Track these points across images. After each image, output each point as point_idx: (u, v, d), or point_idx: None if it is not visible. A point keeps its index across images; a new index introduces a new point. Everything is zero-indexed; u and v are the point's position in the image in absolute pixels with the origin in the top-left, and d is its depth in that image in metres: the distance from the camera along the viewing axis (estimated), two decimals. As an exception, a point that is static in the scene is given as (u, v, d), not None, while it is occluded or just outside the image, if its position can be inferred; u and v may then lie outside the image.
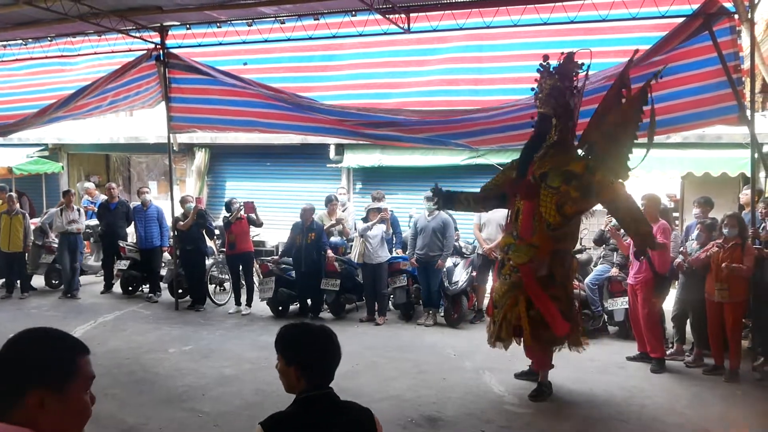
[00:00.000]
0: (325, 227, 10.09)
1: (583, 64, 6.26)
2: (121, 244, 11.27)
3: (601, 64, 7.12)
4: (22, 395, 1.47)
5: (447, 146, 9.35)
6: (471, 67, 8.87)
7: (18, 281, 11.26)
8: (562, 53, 6.25)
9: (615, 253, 8.88)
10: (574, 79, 6.26)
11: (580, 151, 6.38)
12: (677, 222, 10.93)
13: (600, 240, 9.20)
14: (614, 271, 8.67)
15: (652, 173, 10.36)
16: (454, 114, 8.30)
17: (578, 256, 9.54)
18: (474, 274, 9.52)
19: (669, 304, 8.36)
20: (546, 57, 6.22)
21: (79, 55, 10.43)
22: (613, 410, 6.20)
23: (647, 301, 7.50)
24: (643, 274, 7.48)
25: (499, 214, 9.30)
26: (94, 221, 12.20)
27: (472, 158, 11.71)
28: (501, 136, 8.38)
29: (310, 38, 8.75)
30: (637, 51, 6.39)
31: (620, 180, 6.06)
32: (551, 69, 6.20)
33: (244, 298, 10.27)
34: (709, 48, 6.79)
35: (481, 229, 9.54)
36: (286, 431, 2.22)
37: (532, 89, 6.39)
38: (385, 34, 8.43)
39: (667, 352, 7.72)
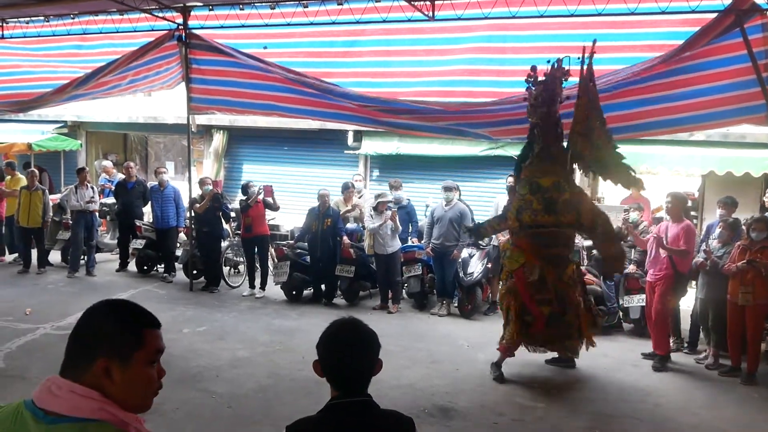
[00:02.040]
0: (341, 213, 10.08)
1: (568, 71, 6.34)
2: (137, 224, 11.33)
3: (630, 58, 7.04)
4: (92, 362, 1.52)
5: (466, 136, 9.27)
6: (494, 57, 8.77)
7: (36, 256, 11.34)
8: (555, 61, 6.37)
9: (632, 250, 8.81)
10: (561, 89, 6.40)
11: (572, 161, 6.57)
12: (696, 221, 10.82)
13: (617, 236, 9.11)
14: (631, 268, 8.61)
15: (674, 170, 10.26)
16: (475, 104, 8.24)
17: (595, 251, 9.51)
18: (489, 265, 9.48)
19: (686, 303, 8.33)
20: (534, 68, 6.40)
21: (101, 34, 10.41)
22: (626, 408, 6.17)
23: (663, 297, 7.47)
24: (664, 272, 7.46)
25: (516, 207, 9.28)
26: (111, 199, 12.25)
27: (491, 149, 11.63)
28: (522, 127, 8.26)
29: (333, 23, 8.68)
30: (595, 42, 6.31)
31: (636, 187, 6.40)
32: (538, 80, 6.36)
33: (258, 282, 10.29)
34: (739, 45, 6.66)
35: (497, 220, 9.49)
36: None
37: (524, 99, 6.57)
38: (409, 21, 8.34)
39: (700, 356, 7.68)
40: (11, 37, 10.88)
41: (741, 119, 7.45)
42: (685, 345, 8.02)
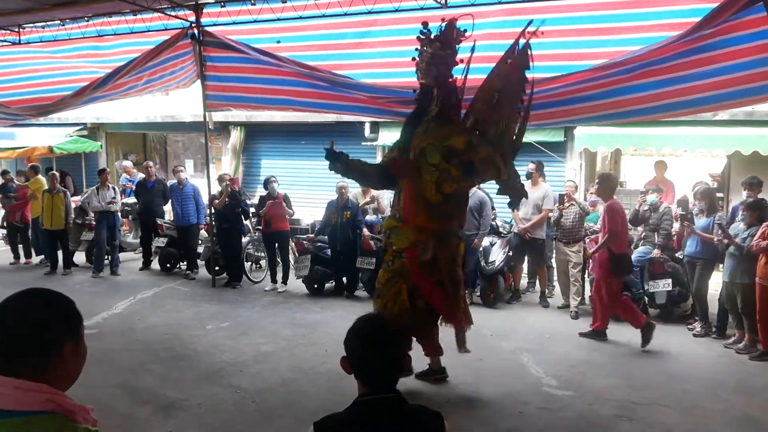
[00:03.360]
0: (360, 205, 10.05)
1: (465, 31, 5.90)
2: (158, 222, 11.41)
3: (647, 38, 6.90)
4: (49, 352, 1.55)
5: (484, 124, 9.17)
6: (508, 43, 8.65)
7: (61, 258, 11.47)
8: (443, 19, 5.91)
9: (655, 233, 8.68)
10: (456, 46, 5.93)
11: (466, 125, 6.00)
12: (722, 202, 10.62)
13: (635, 220, 9.01)
14: (656, 253, 8.49)
15: (697, 152, 10.08)
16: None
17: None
18: (511, 253, 9.39)
19: (713, 287, 8.20)
20: (426, 24, 5.87)
21: (115, 35, 10.46)
22: (653, 395, 6.06)
23: (604, 280, 7.58)
24: (601, 254, 7.59)
25: (536, 194, 9.18)
26: (132, 199, 12.34)
27: (508, 136, 11.49)
28: (540, 113, 8.09)
29: (345, 14, 8.63)
30: (530, 23, 5.95)
31: (504, 159, 5.68)
32: (432, 36, 5.84)
33: (279, 276, 10.31)
34: (763, 20, 6.48)
35: (518, 208, 9.40)
36: None
37: (413, 58, 6.03)
38: (422, 9, 8.25)
39: (729, 341, 7.56)
40: (28, 42, 10.98)
41: (767, 96, 7.27)
42: (713, 329, 7.89)
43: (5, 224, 12.57)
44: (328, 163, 6.26)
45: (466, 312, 6.19)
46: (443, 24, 5.85)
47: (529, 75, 5.80)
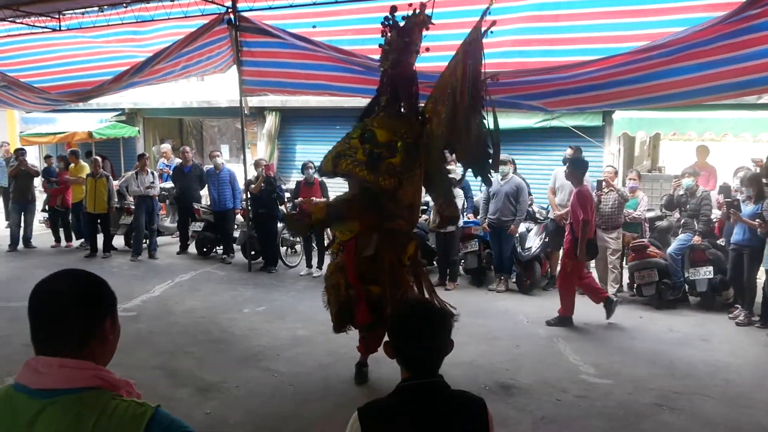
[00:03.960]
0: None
1: (430, 17, 5.66)
2: (195, 207, 11.53)
3: (692, 20, 6.72)
4: (100, 326, 1.61)
5: (520, 108, 9.05)
6: (547, 26, 8.50)
7: (101, 241, 11.69)
8: (410, 5, 5.68)
9: (695, 220, 8.51)
10: (418, 36, 5.71)
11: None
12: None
13: (670, 204, 8.85)
14: (696, 239, 8.33)
15: (740, 136, 9.84)
16: (529, 74, 8.02)
17: (658, 223, 9.25)
18: (547, 239, 9.30)
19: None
20: (394, 9, 5.65)
21: (153, 20, 10.55)
22: (695, 384, 5.97)
23: (563, 261, 7.75)
24: (568, 237, 7.69)
25: (574, 179, 9.05)
26: (170, 184, 12.49)
27: (546, 120, 11.38)
28: (578, 97, 8.03)
29: (382, -2, 8.56)
30: (492, 2, 5.82)
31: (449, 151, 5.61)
32: (398, 22, 5.65)
33: (315, 261, 10.36)
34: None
35: (555, 193, 9.30)
36: (383, 421, 2.05)
37: (379, 45, 5.84)
38: (461, -7, 8.15)
39: None
40: (68, 29, 11.13)
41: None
42: (757, 318, 7.72)
43: (47, 208, 12.83)
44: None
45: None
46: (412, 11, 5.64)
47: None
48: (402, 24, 5.64)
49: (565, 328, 7.58)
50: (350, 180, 5.70)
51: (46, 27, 11.21)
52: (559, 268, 8.07)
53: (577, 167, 7.82)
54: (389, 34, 5.68)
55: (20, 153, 12.36)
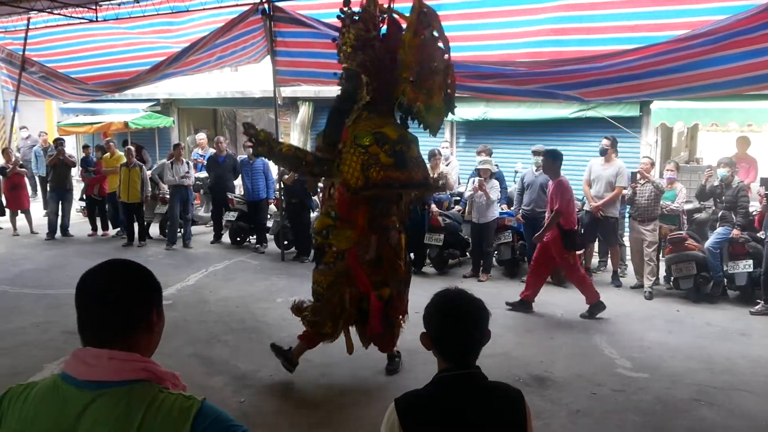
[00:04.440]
0: (428, 182, 9.98)
1: (389, 7, 5.34)
2: (229, 196, 11.62)
3: (735, 7, 6.55)
4: (139, 320, 1.60)
5: (556, 99, 8.94)
6: (584, 14, 8.38)
7: (137, 230, 11.86)
8: None
9: (732, 212, 8.32)
10: (381, 26, 5.38)
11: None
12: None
13: (702, 194, 8.67)
14: (735, 233, 8.14)
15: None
16: (565, 64, 7.91)
17: (696, 215, 9.08)
18: (582, 231, 9.18)
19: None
20: (347, 2, 5.35)
21: (188, 11, 10.62)
22: (735, 379, 5.85)
23: (560, 257, 7.63)
24: (550, 233, 7.62)
25: (610, 171, 8.94)
26: (204, 174, 12.60)
27: (582, 111, 11.21)
28: (615, 87, 7.90)
29: (416, -13, 8.50)
30: None
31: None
32: (354, 16, 5.32)
33: (347, 252, 10.35)
34: None
35: (590, 185, 9.17)
36: (420, 412, 2.05)
37: (333, 40, 5.57)
38: (490, -19, 8.08)
39: None
40: (105, 19, 11.27)
41: None
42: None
43: (84, 197, 13.04)
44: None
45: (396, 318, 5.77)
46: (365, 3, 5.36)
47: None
48: (363, 15, 5.32)
49: (600, 322, 7.47)
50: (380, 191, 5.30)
51: (83, 18, 11.37)
52: (533, 258, 8.03)
53: (554, 159, 7.76)
54: (350, 30, 5.33)
55: (59, 143, 12.58)
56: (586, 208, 9.20)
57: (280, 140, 6.33)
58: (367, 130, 5.20)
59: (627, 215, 9.20)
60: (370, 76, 5.35)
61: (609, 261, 9.56)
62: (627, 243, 9.42)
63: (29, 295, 8.52)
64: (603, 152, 9.07)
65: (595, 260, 9.84)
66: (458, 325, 2.10)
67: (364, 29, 5.26)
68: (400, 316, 5.78)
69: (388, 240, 5.51)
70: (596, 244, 9.69)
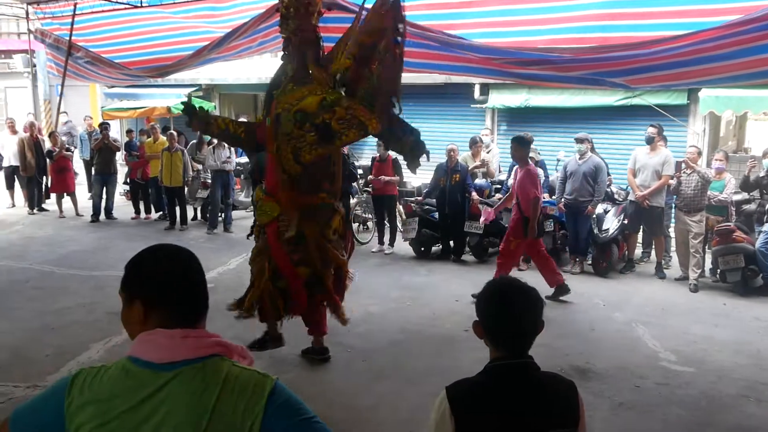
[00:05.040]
0: (469, 169, 9.91)
1: None
2: (269, 182, 11.67)
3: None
4: (205, 300, 1.66)
5: (601, 85, 8.75)
6: (633, -1, 8.19)
7: (178, 214, 12.04)
8: None
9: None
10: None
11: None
12: None
13: (745, 185, 8.43)
14: (787, 224, 7.91)
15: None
16: (612, 50, 7.73)
17: (745, 206, 8.83)
18: (626, 221, 9.03)
19: None
20: None
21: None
22: (785, 375, 5.70)
23: (507, 237, 7.76)
24: (515, 215, 7.73)
25: (656, 160, 8.75)
26: (245, 159, 12.70)
27: (627, 98, 10.98)
28: (665, 74, 7.67)
29: (460, -28, 8.41)
30: None
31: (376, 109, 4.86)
32: None
33: (387, 238, 10.37)
34: None
35: (635, 174, 8.99)
36: (472, 400, 2.01)
37: (277, 10, 5.42)
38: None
39: None
40: (149, 5, 11.39)
41: None
42: None
43: (128, 180, 13.27)
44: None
45: (337, 289, 5.73)
46: None
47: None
48: None
49: (644, 313, 7.34)
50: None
51: (128, 3, 11.50)
52: (500, 247, 8.05)
53: (523, 145, 7.74)
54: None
55: (104, 127, 12.80)
56: (631, 197, 9.02)
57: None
58: (289, 110, 5.02)
59: (673, 206, 9.01)
60: (300, 44, 5.26)
61: (653, 252, 9.38)
62: (672, 234, 9.22)
63: (75, 276, 8.71)
64: (649, 141, 8.87)
65: (638, 251, 9.66)
66: (512, 314, 2.07)
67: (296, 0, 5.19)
68: (334, 300, 5.63)
69: (314, 220, 5.30)
70: (640, 234, 9.51)
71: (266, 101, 5.56)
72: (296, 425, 1.51)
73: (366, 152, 13.37)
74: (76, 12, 12.17)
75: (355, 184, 10.95)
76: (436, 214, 9.82)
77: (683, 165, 8.47)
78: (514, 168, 9.23)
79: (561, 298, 7.69)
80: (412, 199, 10.41)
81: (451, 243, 9.85)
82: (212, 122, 5.78)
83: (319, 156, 5.04)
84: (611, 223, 8.90)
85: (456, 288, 8.19)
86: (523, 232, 7.57)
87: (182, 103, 5.77)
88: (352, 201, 10.83)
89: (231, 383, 1.50)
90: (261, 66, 15.69)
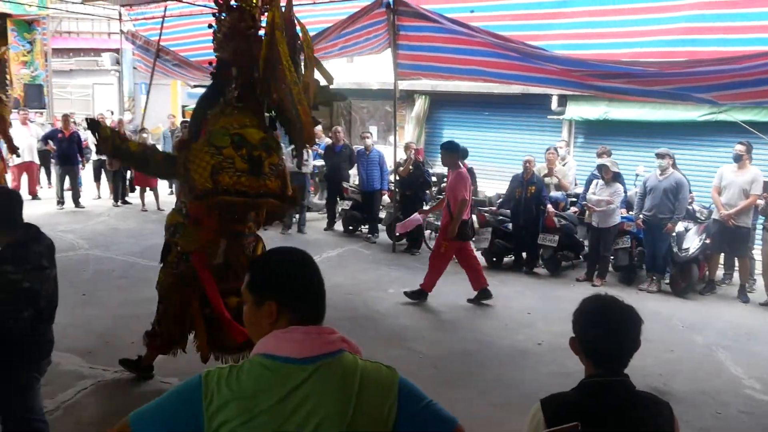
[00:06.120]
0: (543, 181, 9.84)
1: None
2: (344, 185, 11.86)
3: None
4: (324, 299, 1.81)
5: (686, 100, 8.52)
6: (723, 13, 7.94)
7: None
8: None
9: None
10: (261, 18, 4.94)
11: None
12: None
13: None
14: None
15: None
16: (701, 65, 7.53)
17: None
18: (708, 241, 8.75)
19: None
20: None
21: (315, 2, 10.88)
22: None
23: (437, 241, 8.07)
24: (444, 218, 7.86)
25: (743, 178, 8.46)
26: (320, 162, 12.92)
27: (712, 114, 10.66)
28: (756, 90, 7.46)
29: (544, -17, 8.37)
30: None
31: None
32: (232, 2, 4.94)
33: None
34: None
35: (720, 192, 8.70)
36: (566, 414, 2.01)
37: (209, 26, 5.12)
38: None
39: None
40: (210, 7, 11.71)
41: None
42: None
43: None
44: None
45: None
46: None
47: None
48: (238, 7, 4.99)
49: (726, 337, 7.10)
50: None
51: (215, 6, 11.85)
52: (432, 250, 8.21)
53: (452, 151, 7.95)
54: (223, 18, 5.03)
55: (185, 125, 13.23)
56: (715, 216, 8.75)
57: (135, 138, 5.81)
58: (227, 129, 4.68)
59: (759, 227, 8.68)
60: (240, 68, 4.97)
61: (735, 274, 9.06)
62: (757, 256, 8.88)
63: (157, 268, 9.01)
64: (737, 158, 8.58)
65: (719, 272, 9.34)
66: (611, 332, 2.09)
67: (239, 19, 4.95)
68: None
69: (241, 248, 5.05)
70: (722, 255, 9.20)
71: (196, 119, 5.21)
72: (424, 408, 1.69)
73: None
74: (167, 14, 12.62)
75: (428, 191, 11.02)
76: (510, 225, 9.75)
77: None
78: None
79: (483, 301, 7.95)
80: (486, 209, 10.37)
81: (524, 255, 9.77)
82: (122, 145, 5.23)
83: (235, 185, 4.51)
84: (692, 242, 8.64)
85: (528, 301, 8.13)
86: (458, 235, 7.75)
87: (87, 120, 5.36)
88: (425, 208, 10.88)
89: (366, 375, 1.65)
90: (337, 72, 15.85)
